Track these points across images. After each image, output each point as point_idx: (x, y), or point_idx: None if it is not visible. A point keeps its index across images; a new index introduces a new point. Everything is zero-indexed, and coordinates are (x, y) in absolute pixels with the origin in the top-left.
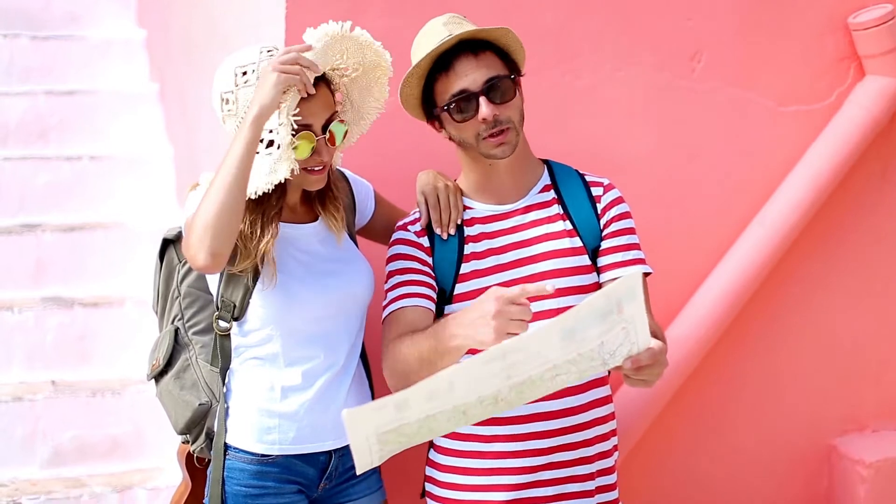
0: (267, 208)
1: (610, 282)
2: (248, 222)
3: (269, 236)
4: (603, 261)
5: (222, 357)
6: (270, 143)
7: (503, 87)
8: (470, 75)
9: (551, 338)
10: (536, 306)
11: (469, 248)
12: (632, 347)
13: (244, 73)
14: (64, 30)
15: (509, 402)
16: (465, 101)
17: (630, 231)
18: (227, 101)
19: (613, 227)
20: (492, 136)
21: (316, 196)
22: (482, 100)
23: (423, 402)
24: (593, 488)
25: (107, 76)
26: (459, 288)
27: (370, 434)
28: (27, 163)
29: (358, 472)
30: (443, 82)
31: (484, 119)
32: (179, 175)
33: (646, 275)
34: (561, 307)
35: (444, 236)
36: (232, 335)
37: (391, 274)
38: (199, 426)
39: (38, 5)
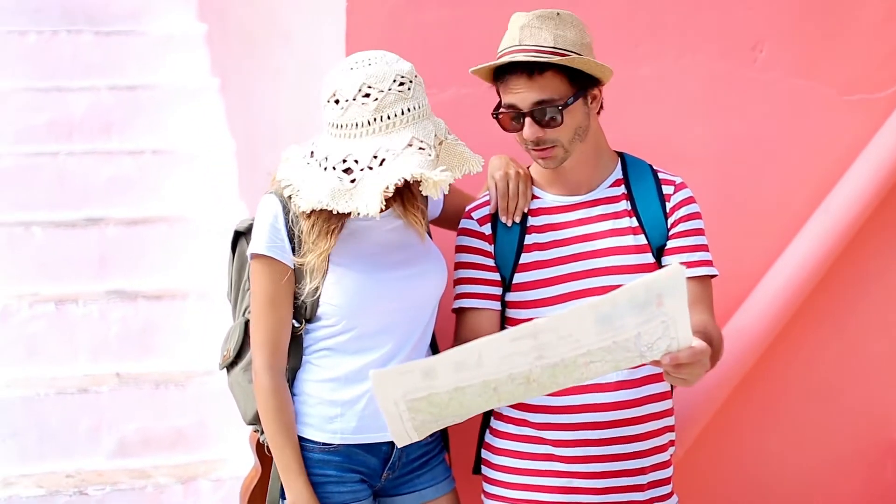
0: (332, 218)
1: None
2: (311, 223)
3: (330, 243)
4: (668, 260)
5: (293, 356)
6: (348, 171)
7: (550, 113)
8: (520, 94)
9: (585, 321)
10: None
11: (532, 239)
12: (671, 343)
13: (367, 94)
14: (125, 25)
15: (542, 384)
16: (513, 116)
17: (698, 232)
18: (339, 101)
19: (681, 227)
20: (536, 150)
21: (396, 194)
22: (527, 120)
23: (452, 373)
24: (645, 483)
25: (168, 71)
26: (519, 277)
27: (399, 399)
28: (90, 157)
29: (397, 445)
30: (500, 88)
31: (526, 139)
32: (241, 169)
33: (711, 277)
34: None
35: (509, 223)
36: (303, 333)
37: (458, 265)
38: None
39: (101, 1)
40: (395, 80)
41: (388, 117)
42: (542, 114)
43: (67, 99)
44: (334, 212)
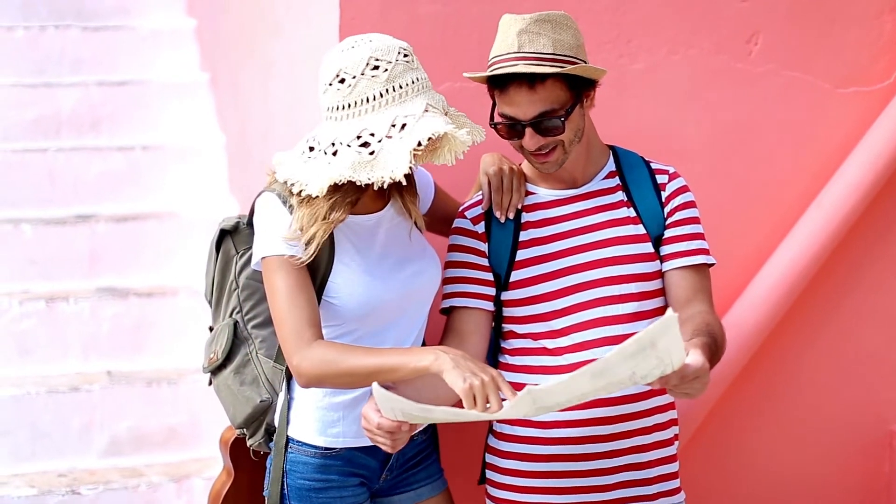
0: (348, 191)
1: (672, 271)
2: (323, 205)
3: (336, 218)
4: (665, 249)
5: None
6: (365, 144)
7: (552, 123)
8: (521, 106)
9: (581, 381)
10: (601, 292)
11: (529, 234)
12: (665, 368)
13: (375, 67)
14: (114, 20)
15: (534, 415)
16: (512, 126)
17: (694, 220)
18: (344, 80)
19: (677, 216)
20: (537, 154)
21: (393, 185)
22: (528, 130)
23: (450, 417)
24: (654, 476)
25: (158, 66)
26: (516, 275)
27: (398, 412)
28: (80, 153)
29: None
30: (498, 96)
31: (527, 148)
32: (231, 164)
33: (709, 265)
34: (623, 294)
35: (503, 219)
36: None
37: (449, 265)
38: (258, 421)
39: None
40: (399, 52)
41: (401, 86)
42: (544, 124)
43: (56, 95)
44: (342, 181)
